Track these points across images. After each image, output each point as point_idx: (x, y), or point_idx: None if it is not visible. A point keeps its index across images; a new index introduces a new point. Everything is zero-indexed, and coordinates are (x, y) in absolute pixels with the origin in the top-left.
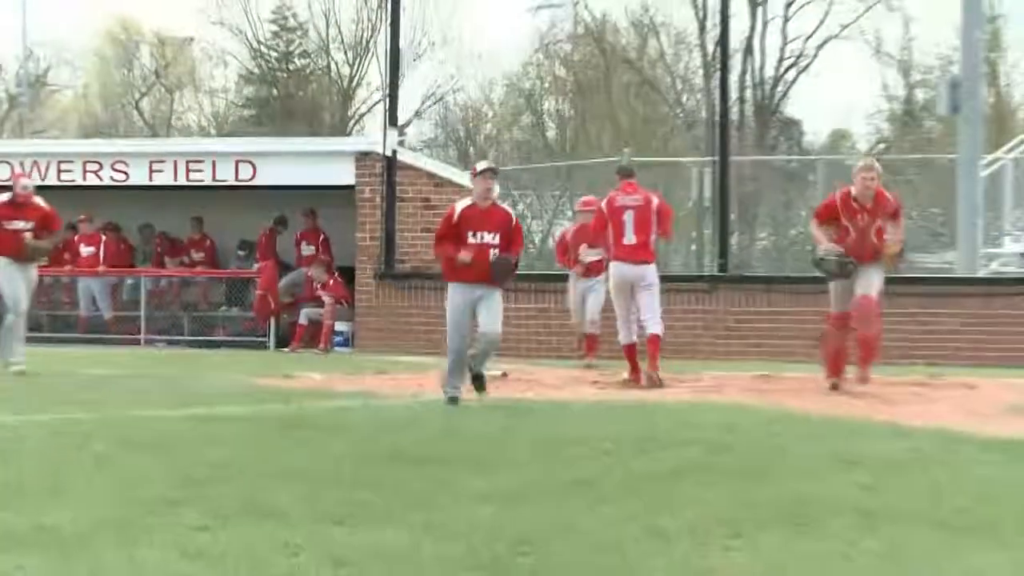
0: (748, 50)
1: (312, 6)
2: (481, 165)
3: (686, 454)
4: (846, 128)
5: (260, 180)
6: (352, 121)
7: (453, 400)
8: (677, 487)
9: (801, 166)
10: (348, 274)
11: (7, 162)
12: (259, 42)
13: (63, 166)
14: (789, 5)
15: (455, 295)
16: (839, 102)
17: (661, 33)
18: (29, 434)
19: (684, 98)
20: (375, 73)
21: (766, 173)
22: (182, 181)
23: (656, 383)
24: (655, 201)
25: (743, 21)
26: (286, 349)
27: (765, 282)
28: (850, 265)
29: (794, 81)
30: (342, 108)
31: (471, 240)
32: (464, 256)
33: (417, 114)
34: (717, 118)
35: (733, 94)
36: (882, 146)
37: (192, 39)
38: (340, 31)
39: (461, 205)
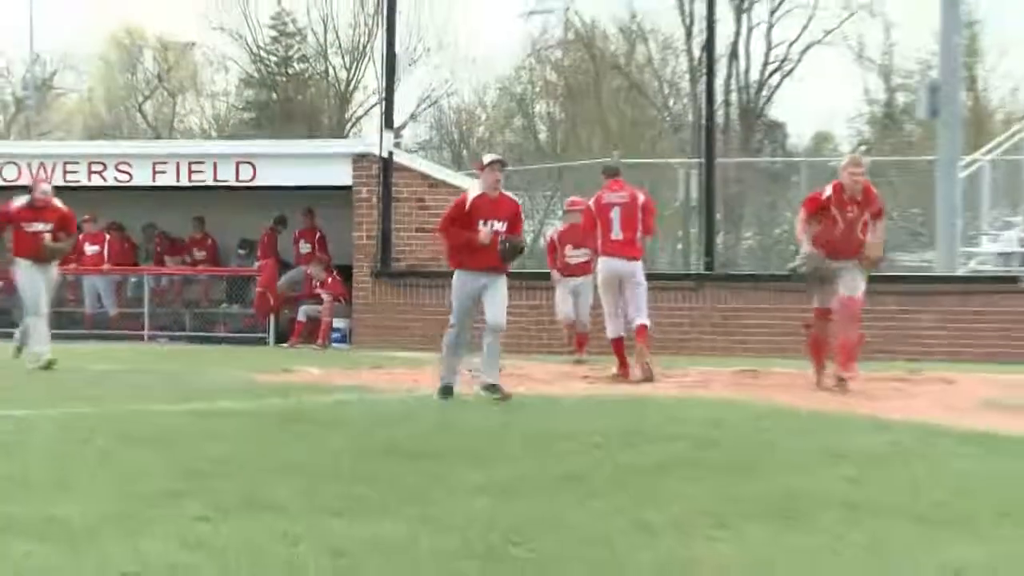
0: (733, 55)
1: (310, 12)
2: (488, 157)
3: (673, 448)
4: (829, 131)
5: (260, 181)
6: (349, 124)
7: (447, 390)
8: (664, 481)
9: (785, 168)
10: (345, 272)
11: (14, 163)
12: (259, 47)
13: (68, 167)
14: (773, 11)
15: (463, 281)
16: (822, 106)
17: (649, 39)
18: (36, 428)
19: (671, 102)
20: (372, 77)
21: (751, 175)
22: (184, 182)
23: (648, 370)
24: (641, 198)
25: (728, 27)
26: (285, 345)
27: (750, 280)
28: (823, 270)
29: (778, 85)
30: (339, 111)
31: (482, 227)
32: (484, 236)
33: (412, 117)
34: (703, 121)
35: (719, 98)
36: (863, 148)
37: (194, 44)
38: (338, 36)
39: (473, 194)
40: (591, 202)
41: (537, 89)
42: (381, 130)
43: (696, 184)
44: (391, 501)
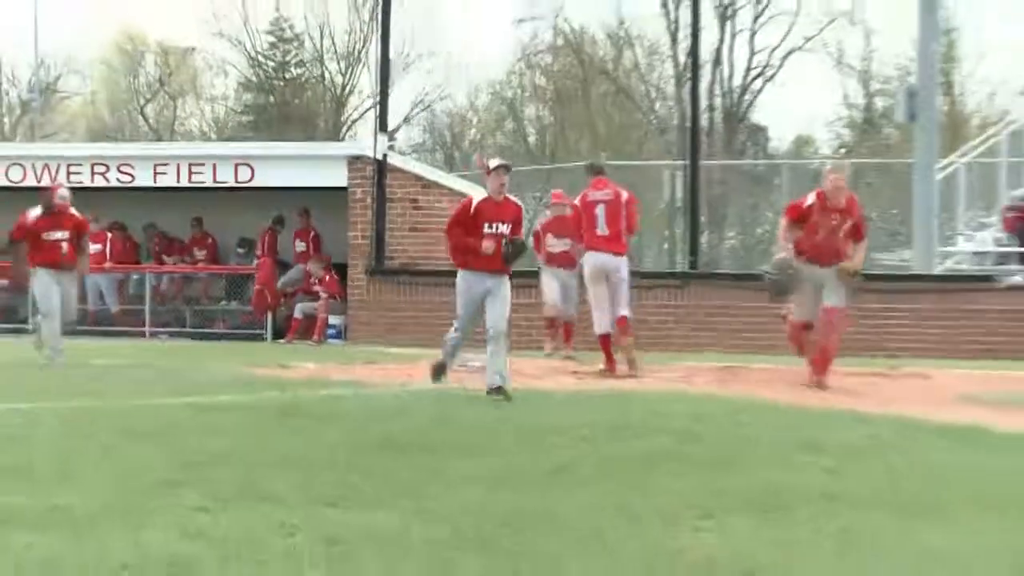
0: (717, 61)
1: (307, 18)
2: (494, 162)
3: (658, 441)
4: (809, 134)
5: (258, 182)
6: (345, 127)
7: (498, 390)
8: (650, 473)
9: (767, 170)
10: (340, 270)
11: (20, 164)
12: (257, 52)
13: (72, 168)
14: (756, 19)
15: (468, 283)
16: (803, 110)
17: (636, 45)
18: (39, 421)
19: (657, 106)
20: (366, 82)
21: (734, 176)
22: (184, 183)
23: (632, 360)
24: (625, 195)
25: (713, 34)
26: (282, 341)
27: (733, 279)
28: (794, 277)
29: (760, 90)
30: (335, 114)
31: (487, 231)
32: (488, 245)
33: (406, 120)
34: (688, 124)
35: (703, 102)
36: (843, 151)
37: (194, 49)
38: (334, 42)
39: (477, 199)
40: (577, 200)
41: (527, 93)
42: (375, 133)
43: (681, 185)
44: (385, 492)
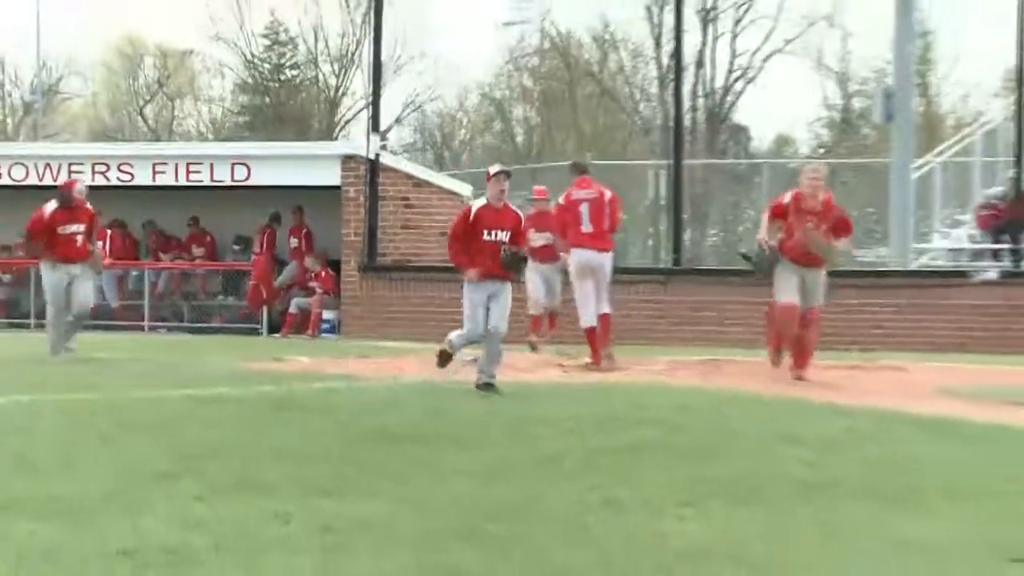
0: (700, 63)
1: (302, 22)
2: (495, 168)
3: (642, 433)
4: (789, 134)
5: (254, 181)
6: (338, 127)
7: (489, 387)
8: (634, 463)
9: (748, 169)
10: (334, 267)
11: (22, 163)
12: (253, 55)
13: (73, 167)
14: (738, 22)
15: (472, 289)
16: (783, 111)
17: (620, 48)
18: (41, 413)
19: (641, 107)
20: (359, 83)
21: (716, 175)
22: (182, 181)
23: (610, 355)
24: (608, 194)
25: (695, 37)
26: (277, 335)
27: (715, 275)
28: (768, 257)
29: (742, 91)
30: (329, 115)
31: (486, 238)
32: (472, 275)
33: (397, 121)
34: (671, 125)
35: (686, 103)
36: (822, 151)
37: (192, 52)
38: (327, 45)
39: (476, 205)
40: (561, 199)
41: (515, 95)
42: (368, 133)
43: (665, 184)
44: (377, 482)
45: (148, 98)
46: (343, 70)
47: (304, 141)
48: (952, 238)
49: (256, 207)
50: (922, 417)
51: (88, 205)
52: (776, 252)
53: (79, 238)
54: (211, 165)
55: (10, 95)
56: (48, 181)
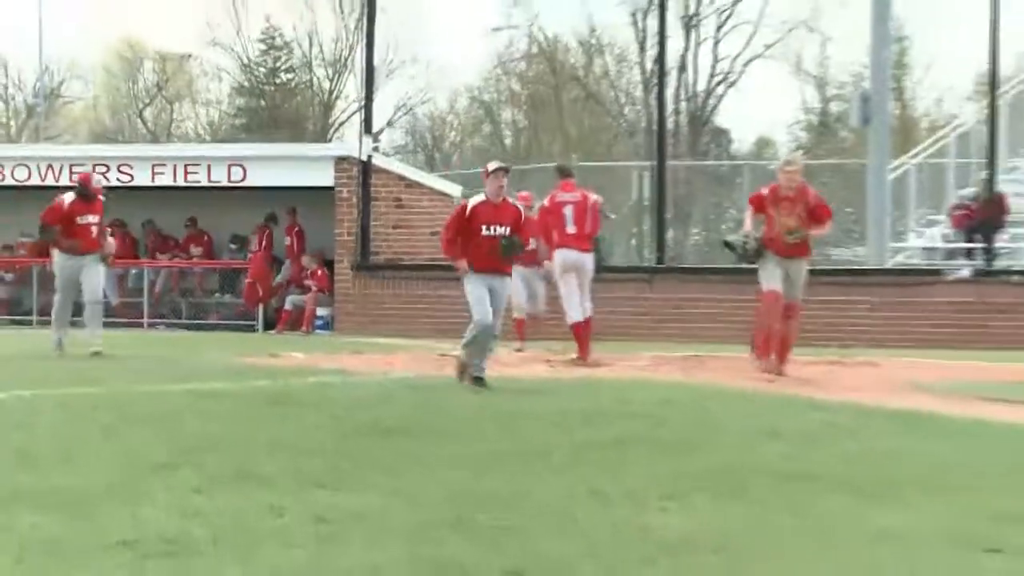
0: (682, 67)
1: (296, 27)
2: (492, 165)
3: (627, 426)
4: (769, 137)
5: (250, 181)
6: (332, 129)
7: (479, 380)
8: (619, 456)
9: (729, 170)
10: (328, 265)
11: (25, 165)
12: (249, 59)
13: (75, 168)
14: (719, 28)
15: (473, 284)
16: (763, 114)
17: (605, 52)
18: (43, 407)
19: (626, 110)
20: (352, 87)
21: (698, 176)
22: (181, 182)
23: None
24: (591, 199)
25: (678, 42)
26: (273, 332)
27: (698, 273)
28: (752, 245)
29: (723, 95)
30: (323, 118)
31: (485, 233)
32: (462, 266)
33: (389, 123)
34: (655, 128)
35: (669, 106)
36: (800, 152)
37: (190, 56)
38: (321, 50)
39: (474, 202)
40: (545, 200)
41: (503, 98)
42: (361, 135)
43: (648, 185)
44: (370, 475)
45: (147, 101)
46: (337, 74)
47: (299, 143)
48: (927, 237)
49: (252, 207)
50: (899, 412)
51: (102, 197)
52: (760, 243)
53: (94, 228)
54: (208, 166)
55: (13, 98)
56: (50, 182)
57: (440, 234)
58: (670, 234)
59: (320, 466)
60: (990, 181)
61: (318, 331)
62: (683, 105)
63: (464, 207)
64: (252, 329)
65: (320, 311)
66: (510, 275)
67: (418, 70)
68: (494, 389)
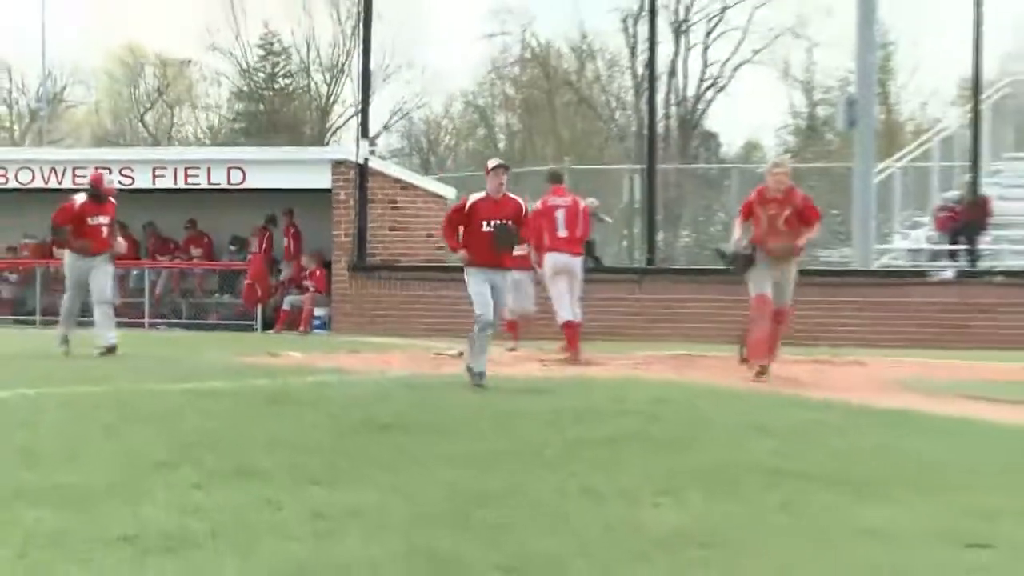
0: (672, 73)
1: (295, 33)
2: (492, 162)
3: (619, 424)
4: (757, 140)
5: (249, 184)
6: (329, 133)
7: (480, 376)
8: (612, 453)
9: (718, 173)
10: (325, 266)
11: (28, 168)
12: (248, 64)
13: (77, 171)
14: (709, 34)
15: (474, 277)
16: (751, 118)
17: (597, 58)
18: (45, 405)
19: (617, 114)
20: (349, 92)
21: (688, 179)
22: (181, 185)
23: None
24: (582, 204)
25: (668, 47)
26: (271, 331)
27: (688, 274)
28: (747, 256)
29: (712, 100)
30: (320, 122)
31: (485, 228)
32: (463, 255)
33: (385, 127)
34: (645, 132)
35: (660, 111)
36: (788, 155)
37: (190, 62)
38: (319, 55)
39: (474, 198)
40: (538, 204)
41: (497, 103)
42: (357, 139)
43: (639, 187)
44: (367, 472)
45: (148, 106)
46: (334, 79)
47: (297, 147)
48: (912, 239)
49: (251, 209)
50: (886, 410)
51: (112, 199)
52: (750, 255)
53: (105, 229)
54: (208, 169)
55: (17, 102)
56: (53, 184)
57: (441, 227)
58: (660, 236)
59: (317, 463)
60: (974, 184)
61: (316, 331)
62: (673, 109)
63: (464, 202)
64: (251, 329)
65: (317, 311)
66: (509, 269)
67: (414, 75)
68: (489, 388)
